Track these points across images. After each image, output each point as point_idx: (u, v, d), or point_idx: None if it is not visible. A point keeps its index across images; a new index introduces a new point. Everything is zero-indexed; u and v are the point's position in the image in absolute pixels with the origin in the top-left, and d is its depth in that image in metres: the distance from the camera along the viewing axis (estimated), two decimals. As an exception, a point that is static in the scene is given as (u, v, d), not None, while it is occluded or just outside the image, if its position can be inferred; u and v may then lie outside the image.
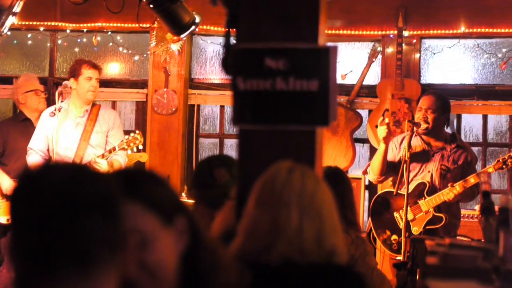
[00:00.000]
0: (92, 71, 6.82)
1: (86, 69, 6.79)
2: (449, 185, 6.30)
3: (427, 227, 6.38)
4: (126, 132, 7.02)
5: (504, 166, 6.23)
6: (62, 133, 6.80)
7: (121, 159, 6.81)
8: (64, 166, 1.71)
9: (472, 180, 6.23)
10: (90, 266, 1.63)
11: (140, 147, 6.81)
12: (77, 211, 1.63)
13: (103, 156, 6.63)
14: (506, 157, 6.25)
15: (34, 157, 6.88)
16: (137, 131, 6.81)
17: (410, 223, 6.43)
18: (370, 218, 6.74)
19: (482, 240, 3.18)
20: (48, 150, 6.85)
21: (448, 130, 6.80)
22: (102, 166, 6.54)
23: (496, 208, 2.75)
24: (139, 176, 2.11)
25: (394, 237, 6.50)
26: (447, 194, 6.27)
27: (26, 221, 1.64)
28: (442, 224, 6.34)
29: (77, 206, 1.63)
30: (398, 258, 6.39)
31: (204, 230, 2.16)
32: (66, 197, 1.63)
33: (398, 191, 6.45)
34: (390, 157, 6.61)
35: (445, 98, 6.69)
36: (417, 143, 6.54)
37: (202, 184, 3.97)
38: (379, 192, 6.92)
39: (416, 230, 6.39)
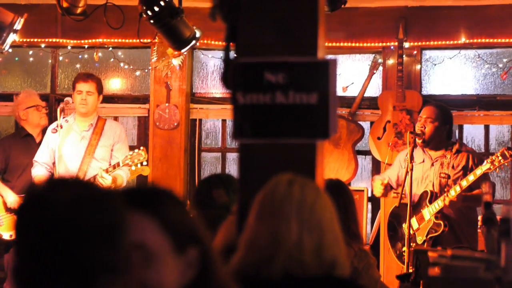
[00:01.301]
0: (82, 84, 6.85)
1: (77, 83, 6.85)
2: (445, 190, 6.32)
3: (429, 235, 6.38)
4: (129, 148, 7.02)
5: (491, 166, 6.20)
6: (66, 148, 6.82)
7: (123, 174, 6.82)
8: (69, 185, 1.69)
9: (464, 183, 6.22)
10: None
11: (145, 163, 6.82)
12: (81, 235, 1.61)
13: (107, 171, 6.64)
14: (493, 158, 6.23)
15: (38, 170, 6.91)
16: (142, 148, 6.81)
17: (416, 233, 6.44)
18: (386, 233, 6.80)
19: (484, 251, 3.18)
20: (53, 163, 6.87)
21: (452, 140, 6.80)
22: (107, 181, 6.54)
23: (498, 218, 2.75)
24: (163, 195, 2.05)
25: (404, 248, 6.51)
26: (443, 199, 6.28)
27: (30, 242, 1.63)
28: (441, 231, 6.34)
29: (81, 229, 1.62)
30: (411, 271, 6.40)
31: (217, 268, 2.07)
32: (70, 220, 1.61)
33: (401, 202, 6.48)
34: (401, 174, 6.63)
35: (447, 109, 6.68)
36: (419, 155, 6.55)
37: (202, 204, 3.99)
38: (393, 206, 6.91)
39: (420, 239, 6.39)
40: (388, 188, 6.69)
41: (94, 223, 1.63)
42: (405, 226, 6.51)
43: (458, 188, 6.25)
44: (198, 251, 1.99)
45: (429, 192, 6.43)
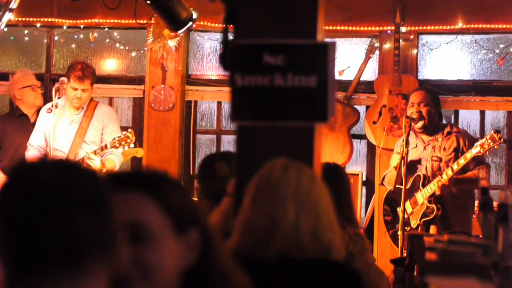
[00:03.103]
0: (77, 84, 6.75)
1: (73, 79, 6.74)
2: (437, 174, 6.33)
3: (422, 220, 6.40)
4: (123, 129, 7.00)
5: (481, 149, 6.20)
6: (59, 129, 6.79)
7: (115, 158, 6.78)
8: (53, 164, 1.68)
9: (455, 166, 6.23)
10: (80, 265, 1.61)
11: (132, 145, 6.78)
12: (66, 210, 1.60)
13: (95, 153, 6.61)
14: (483, 141, 6.23)
15: (32, 153, 6.88)
16: (129, 130, 6.78)
17: (410, 216, 6.46)
18: (383, 214, 6.82)
19: (481, 236, 3.18)
20: (47, 146, 6.85)
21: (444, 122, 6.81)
22: (95, 163, 6.52)
23: (495, 204, 2.75)
24: (162, 178, 2.03)
25: (399, 232, 6.54)
26: (435, 184, 6.29)
27: (15, 220, 1.61)
28: (434, 215, 6.35)
29: (67, 205, 1.60)
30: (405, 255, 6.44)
31: (219, 250, 2.04)
32: (55, 196, 1.60)
33: (396, 186, 6.49)
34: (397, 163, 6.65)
35: (434, 92, 6.74)
36: (412, 140, 6.56)
37: (203, 177, 4.00)
38: (386, 191, 6.94)
39: (414, 223, 6.42)
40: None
41: (77, 196, 1.62)
42: (399, 210, 6.53)
43: (449, 172, 6.26)
44: (199, 232, 1.97)
45: (421, 175, 6.45)
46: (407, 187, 6.41)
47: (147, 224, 1.92)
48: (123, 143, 6.66)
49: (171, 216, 1.94)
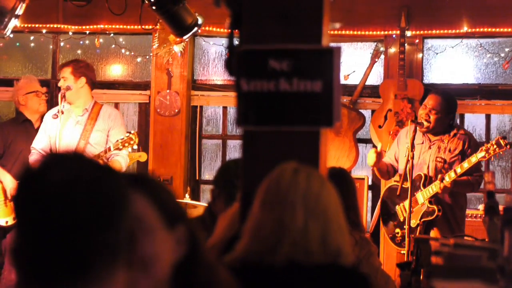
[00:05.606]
0: (60, 73, 6.88)
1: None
2: (442, 172, 6.33)
3: (422, 219, 6.40)
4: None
5: (486, 155, 6.19)
6: (64, 134, 6.79)
7: (122, 160, 6.76)
8: (65, 163, 1.66)
9: (458, 169, 6.22)
10: (92, 272, 1.60)
11: (135, 147, 6.77)
12: (76, 217, 1.58)
13: (98, 156, 6.60)
14: (489, 145, 6.22)
15: (36, 157, 6.88)
16: (133, 131, 6.75)
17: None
18: (379, 212, 6.81)
19: (487, 240, 3.18)
20: (50, 149, 6.84)
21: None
22: None
23: (501, 207, 2.75)
24: (150, 178, 2.15)
25: (397, 230, 6.54)
26: (437, 185, 6.29)
27: (27, 225, 1.60)
28: (435, 216, 6.35)
29: (77, 211, 1.58)
30: (402, 252, 6.44)
31: (203, 246, 2.14)
32: (67, 202, 1.58)
33: (403, 185, 6.49)
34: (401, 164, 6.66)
35: (452, 99, 6.68)
36: (418, 137, 6.55)
37: (230, 183, 3.88)
38: (386, 187, 6.96)
39: (413, 222, 6.40)
40: (381, 155, 6.71)
41: (91, 204, 1.59)
42: (398, 208, 6.54)
43: (452, 174, 6.26)
44: (186, 228, 2.05)
45: (422, 175, 6.44)
46: (406, 186, 6.40)
47: (142, 218, 1.98)
48: (126, 144, 6.64)
49: (162, 212, 2.04)
